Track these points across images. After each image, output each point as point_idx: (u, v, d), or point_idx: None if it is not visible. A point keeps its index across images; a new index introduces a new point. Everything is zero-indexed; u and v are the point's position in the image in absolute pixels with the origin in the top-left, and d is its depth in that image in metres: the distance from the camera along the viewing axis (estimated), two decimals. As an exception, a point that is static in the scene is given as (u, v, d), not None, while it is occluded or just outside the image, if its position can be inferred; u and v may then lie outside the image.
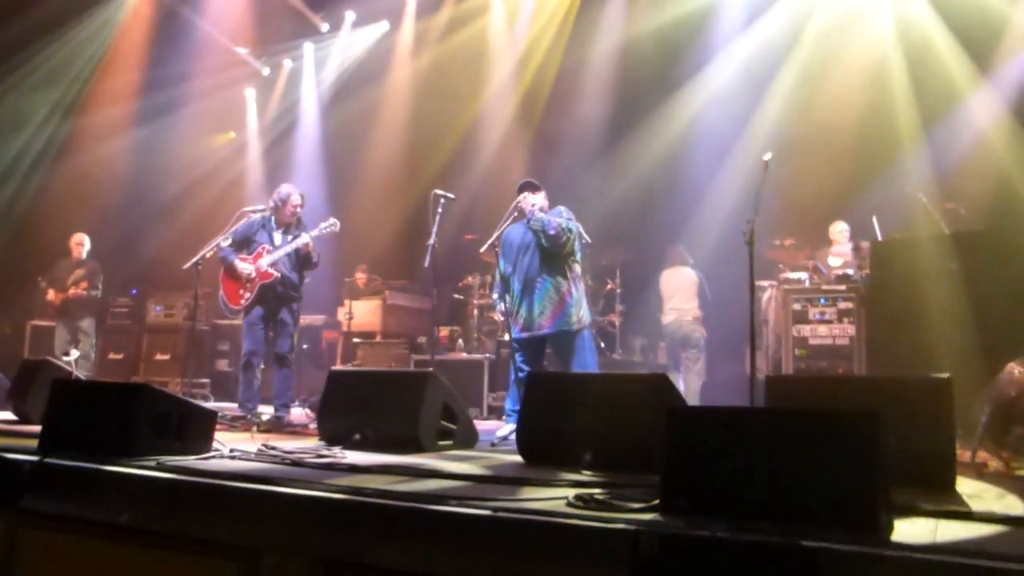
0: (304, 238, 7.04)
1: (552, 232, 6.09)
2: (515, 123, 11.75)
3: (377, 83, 12.41)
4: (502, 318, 6.69)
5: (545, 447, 4.37)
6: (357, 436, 4.98)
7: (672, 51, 10.57)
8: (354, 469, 4.02)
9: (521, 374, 6.11)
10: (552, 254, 6.19)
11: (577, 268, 6.39)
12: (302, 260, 7.15)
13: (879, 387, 4.06)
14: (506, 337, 8.16)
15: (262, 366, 7.20)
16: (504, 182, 10.57)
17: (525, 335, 6.28)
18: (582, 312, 6.30)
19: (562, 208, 6.37)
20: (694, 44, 10.57)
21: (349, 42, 12.69)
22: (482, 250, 6.27)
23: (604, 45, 11.15)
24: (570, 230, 6.16)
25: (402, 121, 12.22)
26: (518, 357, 6.33)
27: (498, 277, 6.62)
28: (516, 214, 6.22)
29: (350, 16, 12.67)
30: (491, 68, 11.77)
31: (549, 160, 11.11)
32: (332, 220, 7.24)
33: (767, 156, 5.77)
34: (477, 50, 11.78)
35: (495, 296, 7.18)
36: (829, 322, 7.97)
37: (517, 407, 5.64)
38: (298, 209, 7.21)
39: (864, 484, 2.54)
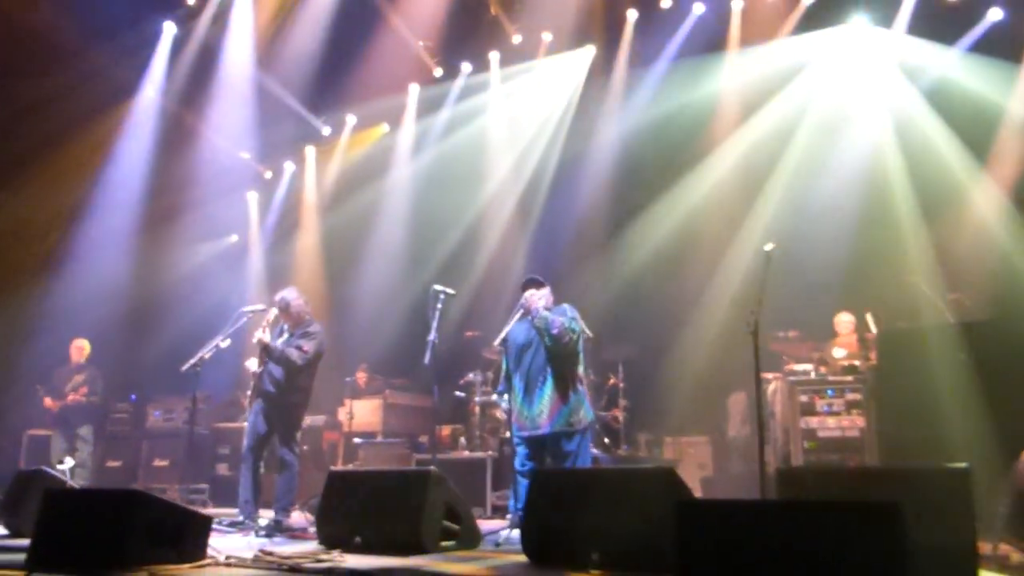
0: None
1: (555, 332, 6.02)
2: (515, 218, 11.79)
3: (377, 183, 12.44)
4: (505, 416, 6.62)
5: (551, 546, 4.29)
6: (358, 539, 4.88)
7: (671, 144, 10.64)
8: (353, 574, 3.89)
9: (522, 473, 6.04)
10: (555, 353, 6.13)
11: (580, 369, 6.32)
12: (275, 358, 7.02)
13: (894, 478, 4.00)
14: (508, 435, 8.08)
15: (263, 469, 7.10)
16: (505, 277, 10.74)
17: (526, 433, 6.20)
18: (582, 413, 6.20)
19: (567, 306, 6.31)
20: (693, 137, 10.64)
21: (350, 144, 12.78)
22: (496, 343, 6.17)
23: (603, 139, 11.23)
24: (573, 330, 6.10)
25: (402, 219, 12.24)
26: (521, 453, 6.24)
27: (501, 374, 6.56)
28: (522, 311, 6.17)
29: (351, 119, 12.74)
30: (491, 165, 11.82)
31: (550, 254, 11.06)
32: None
33: (768, 247, 5.74)
34: (477, 147, 11.86)
35: (497, 393, 7.11)
36: (837, 414, 7.87)
37: (520, 506, 5.55)
38: (282, 312, 7.18)
39: (891, 580, 2.32)
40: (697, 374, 10.11)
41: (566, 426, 6.08)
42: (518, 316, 6.13)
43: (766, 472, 5.49)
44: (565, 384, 6.11)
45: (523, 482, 5.98)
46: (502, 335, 6.07)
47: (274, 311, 7.13)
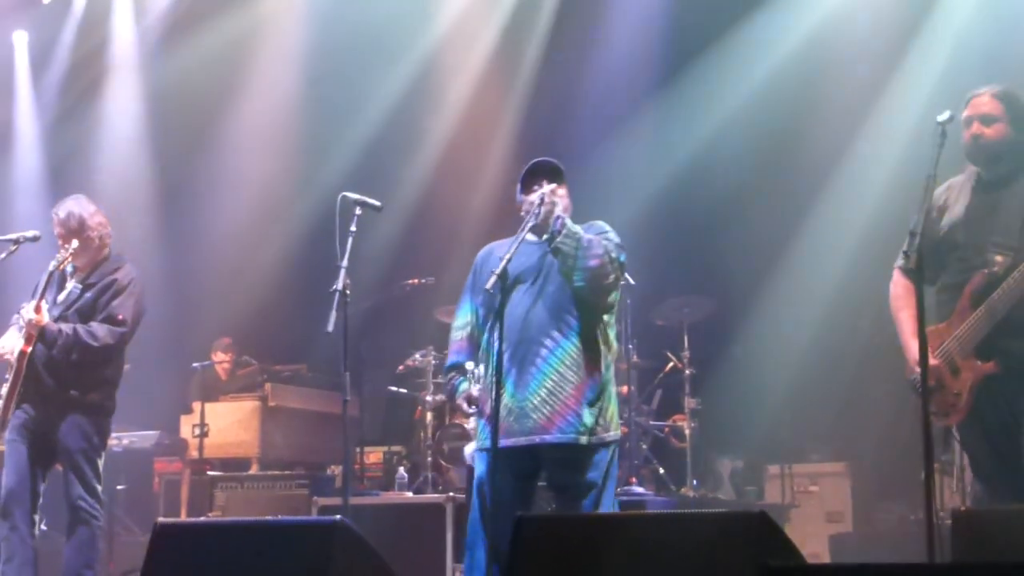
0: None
1: (594, 263, 4.12)
2: (494, 71, 8.39)
3: (247, 11, 8.88)
4: (471, 412, 4.38)
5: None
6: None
7: None
8: None
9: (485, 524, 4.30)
10: (582, 301, 4.22)
11: (612, 333, 4.40)
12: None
13: None
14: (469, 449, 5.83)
15: (44, 527, 5.61)
16: (477, 174, 8.26)
17: (510, 442, 4.16)
18: (612, 412, 4.27)
19: (603, 224, 4.37)
20: None
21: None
22: (488, 284, 4.04)
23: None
24: (620, 263, 4.26)
25: (291, 77, 8.98)
26: (489, 480, 4.17)
27: (460, 332, 4.51)
28: (535, 221, 4.14)
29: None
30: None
31: (556, 133, 7.96)
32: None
33: (944, 116, 3.94)
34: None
35: (451, 368, 4.55)
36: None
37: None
38: (68, 239, 5.40)
39: None
40: (826, 348, 7.40)
41: (589, 434, 4.14)
42: (528, 230, 4.13)
43: (937, 519, 3.85)
44: (593, 355, 4.21)
45: (479, 543, 4.14)
46: (504, 262, 3.98)
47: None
